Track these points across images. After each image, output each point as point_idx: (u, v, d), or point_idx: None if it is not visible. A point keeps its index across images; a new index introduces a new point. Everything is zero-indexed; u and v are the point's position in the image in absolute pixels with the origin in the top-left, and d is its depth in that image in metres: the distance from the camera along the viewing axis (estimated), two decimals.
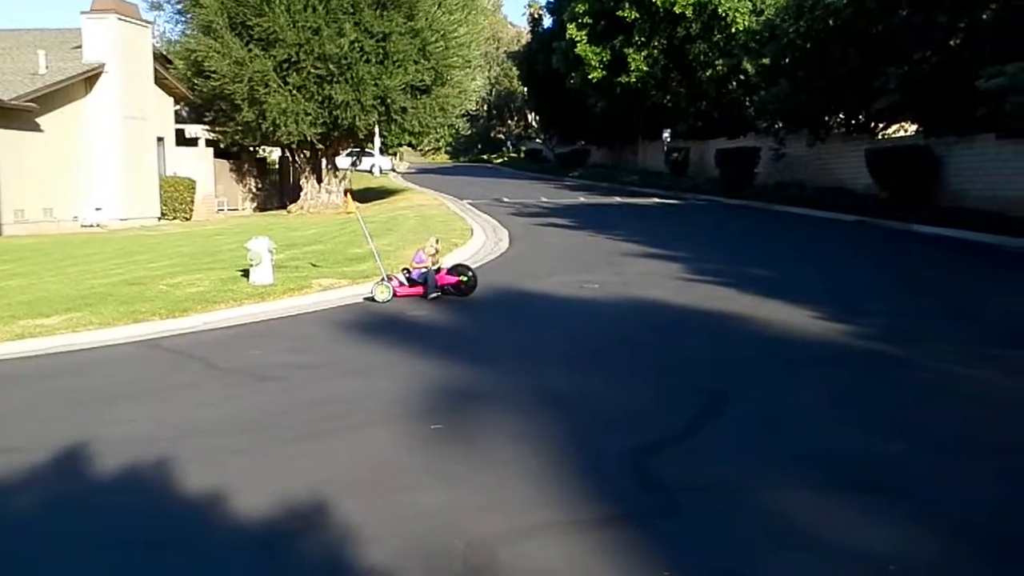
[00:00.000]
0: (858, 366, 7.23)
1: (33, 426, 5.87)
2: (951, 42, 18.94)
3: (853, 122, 26.09)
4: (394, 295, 10.40)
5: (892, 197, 21.25)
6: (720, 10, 32.48)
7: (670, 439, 5.32)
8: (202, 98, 27.64)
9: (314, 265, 12.96)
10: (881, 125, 25.42)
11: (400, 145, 37.39)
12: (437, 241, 11.24)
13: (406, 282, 10.64)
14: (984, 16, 17.87)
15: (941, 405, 6.06)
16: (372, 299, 10.31)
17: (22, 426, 5.90)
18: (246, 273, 11.52)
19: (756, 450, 5.15)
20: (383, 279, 10.55)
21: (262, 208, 32.79)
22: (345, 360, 7.62)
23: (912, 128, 24.23)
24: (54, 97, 22.93)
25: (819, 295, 10.50)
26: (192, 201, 27.75)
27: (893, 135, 25.70)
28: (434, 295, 10.38)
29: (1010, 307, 10.16)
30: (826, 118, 25.82)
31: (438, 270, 10.68)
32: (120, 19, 24.49)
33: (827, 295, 10.62)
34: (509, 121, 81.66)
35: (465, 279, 10.63)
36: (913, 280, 12.36)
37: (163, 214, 26.63)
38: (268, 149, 33.89)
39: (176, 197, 27.02)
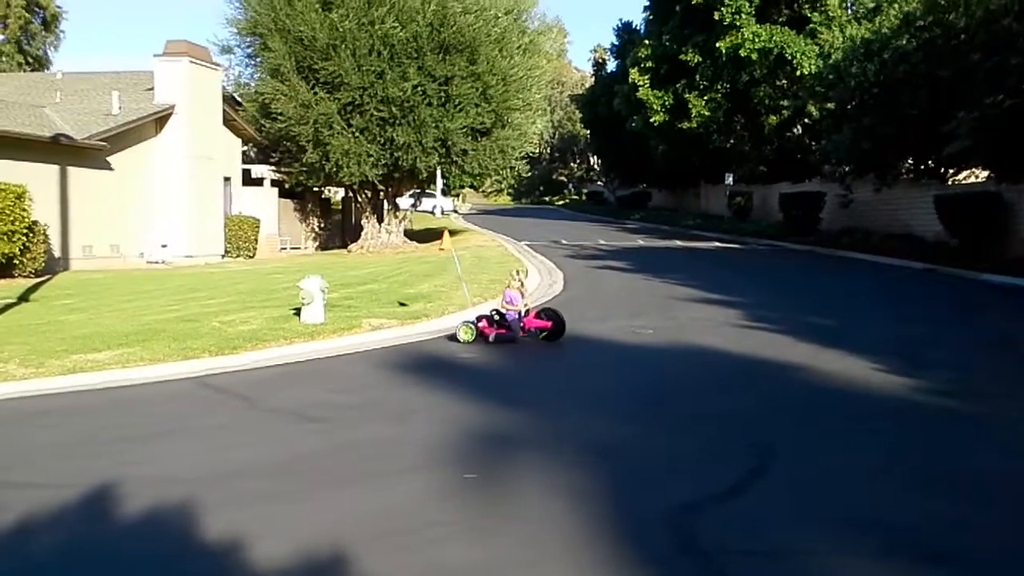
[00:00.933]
0: (922, 423, 6.82)
1: (66, 462, 5.85)
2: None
3: (922, 167, 25.39)
4: (484, 336, 10.16)
5: (962, 244, 20.53)
6: (787, 54, 32.15)
7: (717, 497, 5.03)
8: (269, 139, 28.27)
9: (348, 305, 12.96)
10: (951, 171, 24.68)
11: (461, 187, 37.84)
12: (518, 273, 10.94)
13: (494, 324, 10.33)
14: None
15: (1012, 468, 5.65)
16: (455, 338, 10.21)
17: (55, 462, 5.89)
18: (299, 312, 11.55)
19: (808, 512, 4.83)
20: (471, 321, 10.35)
21: (324, 247, 33.26)
22: (387, 402, 7.50)
23: (983, 174, 23.48)
24: (125, 136, 23.68)
25: (884, 346, 10.05)
26: (256, 240, 28.26)
27: (963, 181, 24.92)
28: (543, 336, 10.26)
29: None
30: (894, 163, 25.19)
31: (526, 313, 10.42)
32: (192, 62, 25.27)
33: (892, 347, 10.16)
34: (571, 164, 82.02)
35: (553, 323, 10.33)
36: (983, 331, 11.81)
37: (227, 252, 27.16)
38: (332, 189, 34.45)
39: (240, 235, 27.56)
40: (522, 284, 10.66)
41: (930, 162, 24.75)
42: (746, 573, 4.08)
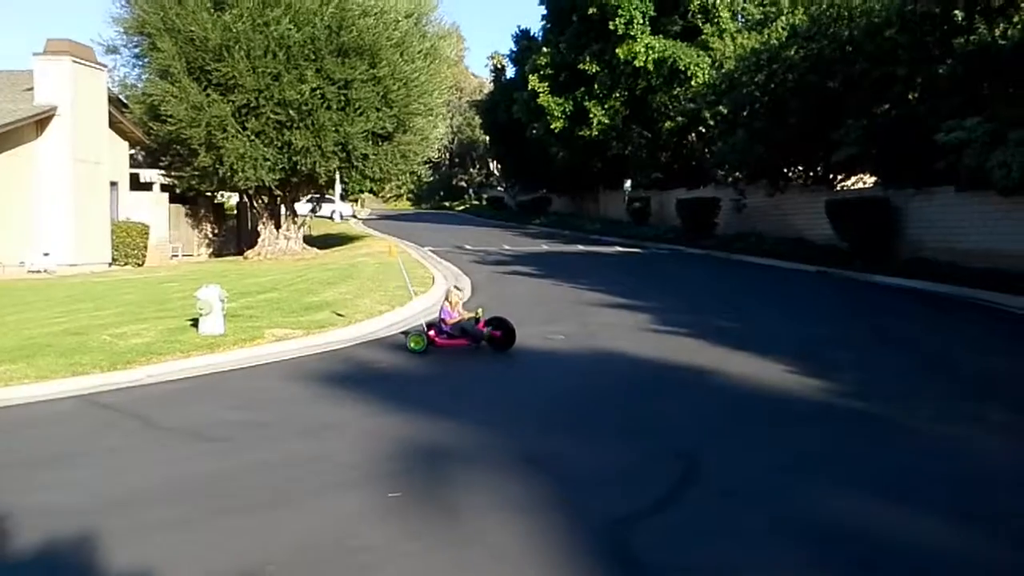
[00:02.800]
0: (837, 425, 6.92)
1: None
2: (909, 95, 19.19)
3: (811, 173, 26.33)
4: (434, 344, 10.11)
5: (853, 248, 21.34)
6: (680, 65, 32.89)
7: (648, 509, 4.93)
8: (158, 142, 27.06)
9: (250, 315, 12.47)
10: (840, 177, 25.68)
11: (361, 191, 37.19)
12: (458, 288, 11.01)
13: (444, 335, 10.27)
14: (941, 70, 18.14)
15: (929, 468, 5.76)
16: (407, 346, 10.04)
17: None
18: (196, 323, 10.99)
19: (740, 522, 4.78)
20: (418, 330, 10.34)
21: (218, 254, 32.09)
22: (298, 418, 7.14)
23: (871, 180, 24.50)
24: (3, 139, 22.23)
25: (787, 348, 10.26)
26: (145, 247, 27.00)
27: (852, 187, 25.97)
28: (482, 342, 10.11)
29: (975, 360, 10.01)
30: (785, 169, 26.04)
31: (476, 320, 10.26)
32: (75, 61, 23.95)
33: (795, 348, 10.38)
34: (471, 169, 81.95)
35: (503, 332, 10.20)
36: (878, 332, 12.20)
37: (114, 259, 25.85)
38: (226, 194, 33.26)
39: (128, 242, 26.28)
40: (460, 299, 10.72)
41: (820, 168, 25.68)
42: None
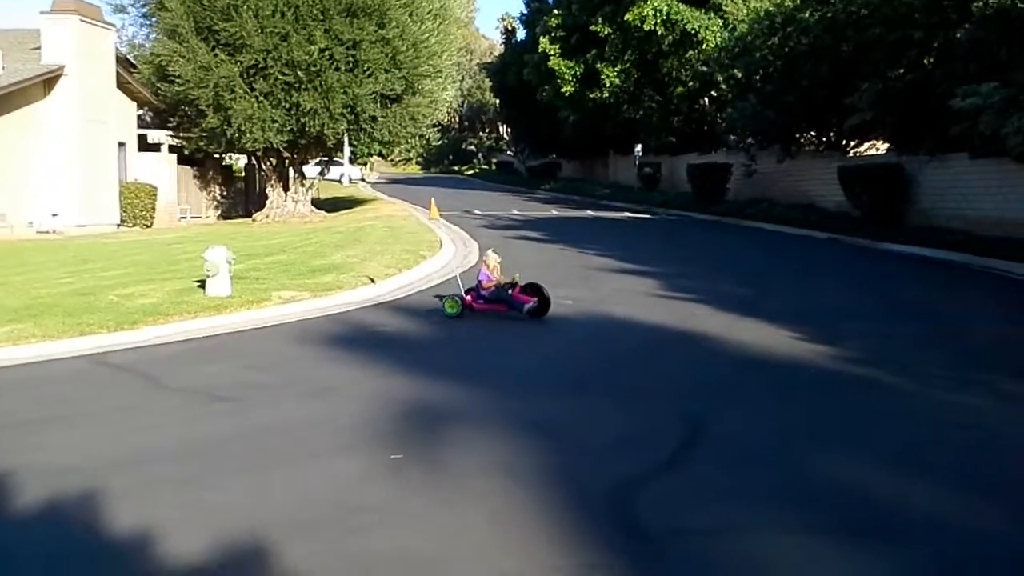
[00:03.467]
0: (845, 392, 6.88)
1: None
2: (925, 60, 18.87)
3: (824, 139, 26.04)
4: (472, 309, 9.96)
5: (865, 215, 21.15)
6: (690, 28, 32.40)
7: (653, 473, 4.92)
8: (166, 103, 26.94)
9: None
10: (853, 143, 25.38)
11: (370, 155, 36.88)
12: (494, 251, 10.58)
13: (483, 299, 10.08)
14: (958, 35, 17.81)
15: (938, 435, 5.72)
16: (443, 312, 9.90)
17: None
18: (203, 284, 10.99)
19: (744, 486, 4.77)
20: (455, 296, 10.09)
21: (226, 216, 32.05)
22: (302, 380, 7.13)
23: (884, 146, 24.21)
24: (10, 99, 22.13)
25: (796, 315, 10.20)
26: (153, 208, 26.98)
27: (865, 153, 25.67)
28: (529, 308, 9.72)
29: (986, 329, 9.96)
30: (797, 135, 25.74)
31: (513, 286, 10.00)
32: (82, 20, 23.75)
33: (805, 315, 10.32)
34: (481, 133, 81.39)
35: (539, 299, 9.83)
36: (889, 299, 12.12)
37: (123, 221, 25.85)
38: (234, 156, 33.15)
39: (136, 204, 26.25)
40: (499, 264, 10.31)
41: (832, 134, 25.39)
42: (685, 552, 3.98)
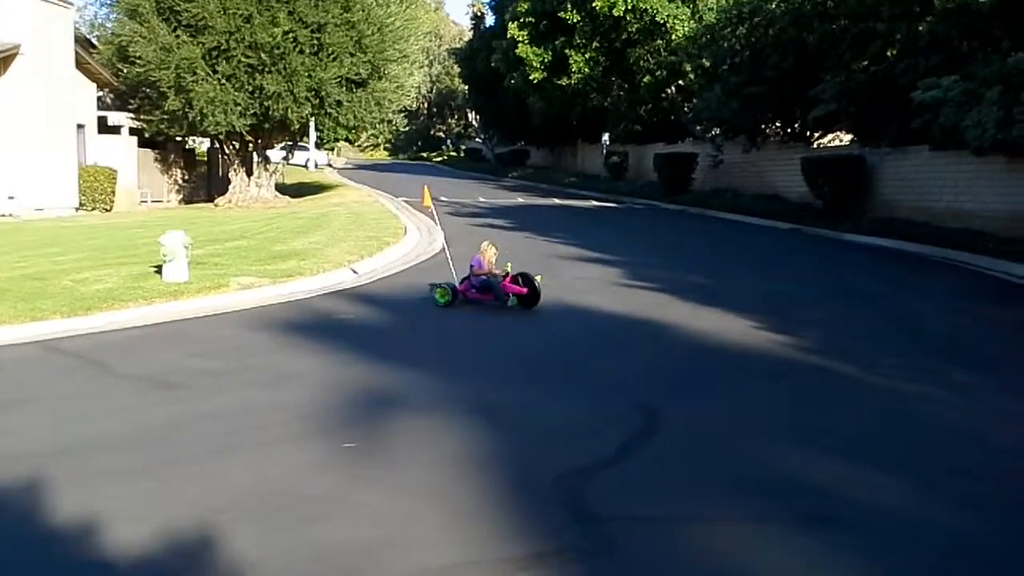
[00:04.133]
0: (799, 381, 6.95)
1: None
2: (888, 53, 19.06)
3: (789, 130, 26.26)
4: (466, 297, 9.89)
5: (827, 205, 21.37)
6: (659, 17, 32.46)
7: (605, 462, 4.91)
8: (127, 85, 26.48)
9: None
10: (817, 134, 25.62)
11: (336, 140, 36.64)
12: (491, 245, 10.23)
13: (475, 289, 9.97)
14: (920, 28, 18.00)
15: (887, 425, 5.78)
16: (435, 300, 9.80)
17: None
18: (160, 270, 10.82)
19: (696, 474, 4.78)
20: (448, 283, 9.93)
21: (188, 201, 31.62)
22: (257, 367, 7.05)
23: (847, 138, 24.47)
24: None
25: (756, 304, 10.27)
26: (113, 192, 26.52)
27: (828, 144, 25.93)
28: (512, 302, 9.61)
29: (941, 319, 10.11)
30: (762, 126, 25.92)
31: (504, 276, 9.79)
32: None
33: (764, 304, 10.40)
34: (450, 119, 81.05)
35: (529, 290, 9.66)
36: (848, 290, 12.26)
37: (81, 204, 25.39)
38: (197, 140, 32.69)
39: (96, 187, 25.78)
40: (495, 254, 10.08)
41: (797, 125, 25.60)
42: (637, 540, 3.96)
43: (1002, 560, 3.87)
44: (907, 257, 15.99)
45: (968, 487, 4.74)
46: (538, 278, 9.70)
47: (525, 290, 9.64)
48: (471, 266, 10.04)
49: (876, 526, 4.14)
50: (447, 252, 10.94)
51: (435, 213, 12.33)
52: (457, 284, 9.99)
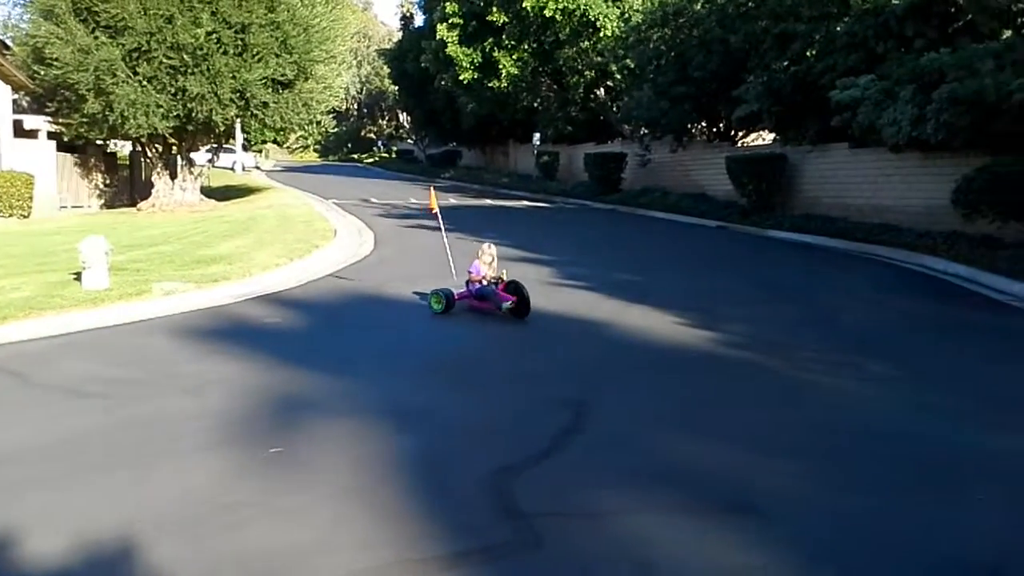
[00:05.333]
0: (723, 376, 7.10)
1: None
2: (808, 53, 19.58)
3: (715, 130, 26.78)
4: (471, 306, 9.53)
5: (751, 203, 21.85)
6: (590, 15, 32.74)
7: (532, 459, 4.96)
8: (44, 87, 25.53)
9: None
10: (741, 133, 26.19)
11: (264, 142, 36.00)
12: (490, 246, 9.76)
13: (474, 297, 9.58)
14: (838, 28, 18.54)
15: (806, 417, 5.95)
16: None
17: None
18: (79, 277, 10.50)
19: (622, 469, 4.86)
20: (441, 291, 9.51)
21: (111, 205, 30.70)
22: (180, 375, 6.90)
23: (770, 137, 25.06)
24: None
25: (683, 301, 10.47)
26: (31, 198, 25.57)
27: (752, 143, 26.52)
28: (507, 307, 9.11)
29: (859, 312, 10.43)
30: (688, 125, 26.38)
31: (498, 282, 9.42)
32: None
33: (690, 300, 10.60)
34: (380, 121, 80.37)
35: (519, 298, 9.18)
36: (771, 286, 12.56)
37: None
38: (118, 143, 31.76)
39: (12, 193, 24.82)
40: (493, 259, 9.67)
41: (722, 125, 26.13)
42: (564, 535, 4.01)
43: (900, 538, 4.03)
44: (828, 252, 16.46)
45: (878, 472, 4.92)
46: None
47: (514, 298, 9.16)
48: (469, 272, 9.65)
49: (788, 513, 4.29)
50: (447, 252, 10.72)
51: (440, 219, 11.56)
52: (455, 291, 9.63)
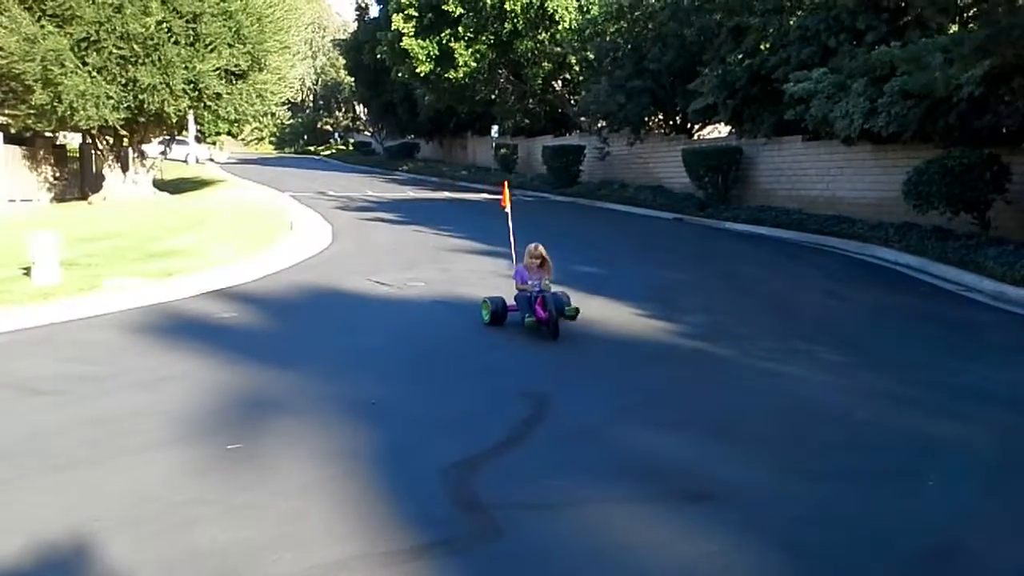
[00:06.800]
0: (681, 366, 7.18)
1: None
2: (762, 46, 19.78)
3: (671, 123, 26.97)
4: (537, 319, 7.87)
5: (707, 195, 22.07)
6: (548, 7, 32.74)
7: (491, 451, 4.97)
8: None
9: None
10: (697, 126, 26.41)
11: (218, 134, 35.33)
12: (537, 247, 8.32)
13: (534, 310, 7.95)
14: (791, 22, 18.76)
15: (763, 406, 6.04)
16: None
17: None
18: (29, 272, 10.27)
19: (581, 460, 4.89)
20: (491, 299, 8.43)
21: (61, 199, 30.00)
22: (134, 371, 6.78)
23: (726, 129, 25.31)
24: None
25: (641, 292, 10.55)
26: None
27: (708, 136, 26.76)
28: (530, 321, 7.82)
29: (812, 302, 10.61)
30: (646, 118, 26.53)
31: (539, 295, 7.88)
32: None
33: (649, 292, 10.69)
34: (337, 112, 79.58)
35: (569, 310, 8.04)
36: (726, 276, 12.70)
37: None
38: (67, 135, 31.05)
39: None
40: (543, 259, 8.19)
41: (678, 118, 26.32)
42: (524, 527, 4.03)
43: (855, 522, 4.11)
44: (783, 244, 16.70)
45: (831, 459, 5.02)
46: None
47: (545, 316, 7.78)
48: (515, 281, 8.32)
49: (745, 500, 4.35)
50: (511, 235, 9.56)
51: (509, 216, 10.10)
52: (507, 300, 8.48)
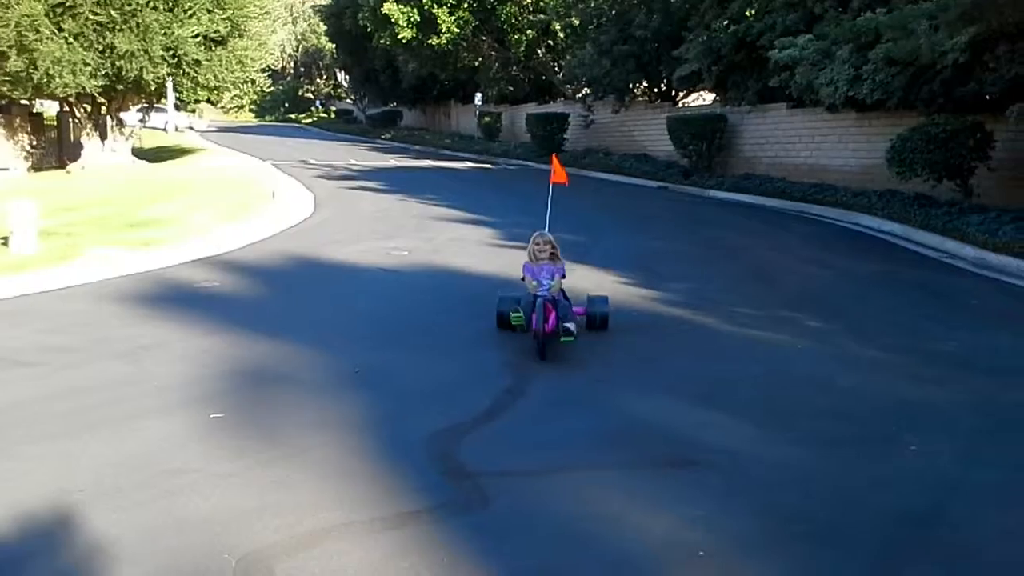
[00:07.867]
0: (665, 334, 7.19)
1: None
2: (747, 12, 19.66)
3: (656, 90, 26.83)
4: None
5: (691, 163, 22.03)
6: None
7: (477, 419, 4.97)
8: None
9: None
10: (682, 94, 26.28)
11: (197, 101, 34.80)
12: (541, 234, 7.28)
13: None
14: None
15: (741, 372, 6.08)
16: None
17: None
18: (6, 242, 10.14)
19: (566, 428, 4.91)
20: (522, 302, 6.67)
21: (38, 168, 29.62)
22: (116, 341, 6.72)
23: (711, 97, 25.21)
24: None
25: (625, 260, 10.55)
26: None
27: (693, 104, 26.65)
28: (516, 316, 6.46)
29: (796, 270, 10.65)
30: (630, 85, 26.37)
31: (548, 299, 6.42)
32: None
33: (632, 260, 10.69)
34: (318, 80, 78.67)
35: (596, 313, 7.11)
36: (710, 244, 12.72)
37: None
38: (44, 103, 30.57)
39: None
40: (554, 250, 7.07)
41: (663, 85, 26.18)
42: (510, 493, 4.05)
43: (838, 486, 4.16)
44: (767, 212, 16.72)
45: (814, 425, 5.05)
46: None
47: (550, 329, 6.25)
48: (529, 279, 6.83)
49: (728, 466, 4.38)
50: (549, 208, 8.60)
51: (550, 193, 8.79)
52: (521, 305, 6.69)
